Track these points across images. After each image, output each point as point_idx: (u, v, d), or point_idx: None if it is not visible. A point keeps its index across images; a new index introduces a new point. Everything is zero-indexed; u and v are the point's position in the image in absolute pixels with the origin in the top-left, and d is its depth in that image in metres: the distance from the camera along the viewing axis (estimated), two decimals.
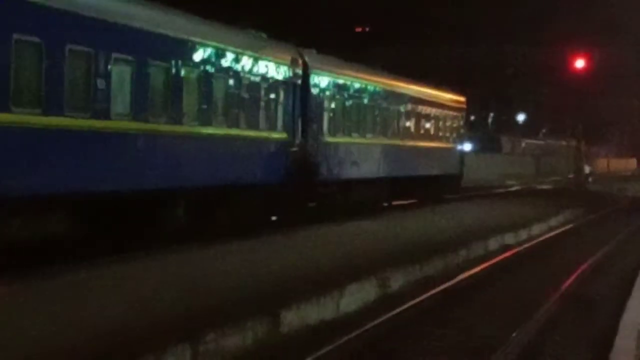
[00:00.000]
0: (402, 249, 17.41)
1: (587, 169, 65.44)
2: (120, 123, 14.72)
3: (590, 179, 61.48)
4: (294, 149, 21.11)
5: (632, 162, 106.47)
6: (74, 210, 14.24)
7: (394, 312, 12.16)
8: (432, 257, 17.21)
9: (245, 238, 16.83)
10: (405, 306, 12.73)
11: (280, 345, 10.01)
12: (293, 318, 10.73)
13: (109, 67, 14.40)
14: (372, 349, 10.30)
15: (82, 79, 13.79)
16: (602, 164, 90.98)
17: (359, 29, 60.48)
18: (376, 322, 11.37)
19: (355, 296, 12.99)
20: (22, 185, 12.42)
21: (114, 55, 14.49)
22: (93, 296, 10.13)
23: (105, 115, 14.26)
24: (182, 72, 16.53)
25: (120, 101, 14.82)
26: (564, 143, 78.57)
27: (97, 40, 13.99)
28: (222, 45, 17.99)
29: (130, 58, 14.99)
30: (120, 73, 14.78)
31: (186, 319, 9.30)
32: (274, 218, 20.76)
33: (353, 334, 10.43)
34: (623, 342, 9.35)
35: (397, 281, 14.84)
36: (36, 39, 12.65)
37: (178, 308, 9.77)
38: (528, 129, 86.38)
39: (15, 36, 12.19)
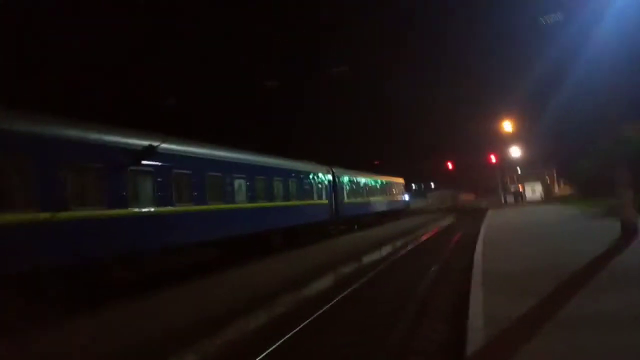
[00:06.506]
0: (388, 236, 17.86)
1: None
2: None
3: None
4: (330, 206, 19.80)
5: (472, 195, 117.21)
6: (221, 245, 12.26)
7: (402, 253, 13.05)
8: (403, 235, 18.18)
9: (317, 242, 17.19)
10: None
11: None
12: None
13: (253, 181, 13.31)
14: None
15: (219, 186, 11.85)
16: (459, 197, 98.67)
17: (376, 162, 57.37)
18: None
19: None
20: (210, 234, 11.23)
21: (257, 177, 13.81)
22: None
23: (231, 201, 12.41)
24: (286, 181, 15.97)
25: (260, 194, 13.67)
26: (447, 191, 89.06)
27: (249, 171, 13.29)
28: (295, 169, 17.04)
29: (263, 177, 14.27)
30: (265, 183, 14.04)
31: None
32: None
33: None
34: (477, 255, 10.34)
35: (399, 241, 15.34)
36: (219, 174, 11.83)
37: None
38: (435, 187, 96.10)
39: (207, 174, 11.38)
